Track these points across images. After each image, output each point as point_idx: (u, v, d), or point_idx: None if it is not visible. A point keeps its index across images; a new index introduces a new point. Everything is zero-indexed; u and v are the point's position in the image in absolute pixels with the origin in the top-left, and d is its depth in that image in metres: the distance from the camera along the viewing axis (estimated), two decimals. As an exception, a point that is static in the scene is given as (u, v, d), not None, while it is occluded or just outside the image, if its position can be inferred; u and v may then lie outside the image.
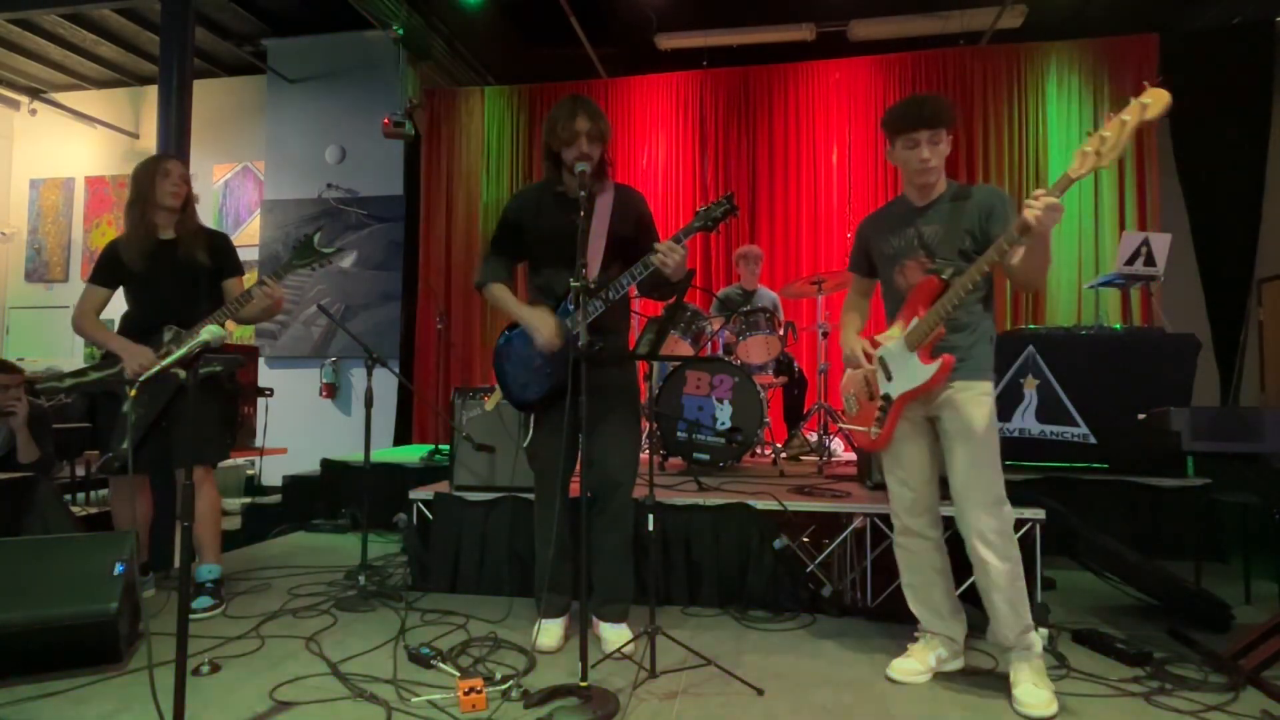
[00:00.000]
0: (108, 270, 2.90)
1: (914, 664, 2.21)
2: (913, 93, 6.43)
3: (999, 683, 2.16)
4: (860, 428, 2.34)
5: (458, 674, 2.15)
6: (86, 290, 2.91)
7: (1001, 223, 2.10)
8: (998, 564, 2.06)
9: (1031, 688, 2.01)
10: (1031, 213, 1.86)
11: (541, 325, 2.37)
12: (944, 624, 2.26)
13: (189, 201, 2.96)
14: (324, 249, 2.80)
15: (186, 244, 2.89)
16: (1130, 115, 1.79)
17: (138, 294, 2.92)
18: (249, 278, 3.02)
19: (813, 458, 4.29)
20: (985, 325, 2.20)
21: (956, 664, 2.26)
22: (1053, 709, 1.96)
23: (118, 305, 2.91)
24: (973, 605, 2.32)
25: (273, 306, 2.83)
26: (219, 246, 2.99)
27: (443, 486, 3.30)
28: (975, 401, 2.11)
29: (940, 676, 2.22)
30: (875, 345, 2.29)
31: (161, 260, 2.87)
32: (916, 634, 2.32)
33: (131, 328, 2.88)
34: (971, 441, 2.09)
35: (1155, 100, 1.76)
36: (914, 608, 2.31)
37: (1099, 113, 5.91)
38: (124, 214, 2.92)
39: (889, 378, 2.22)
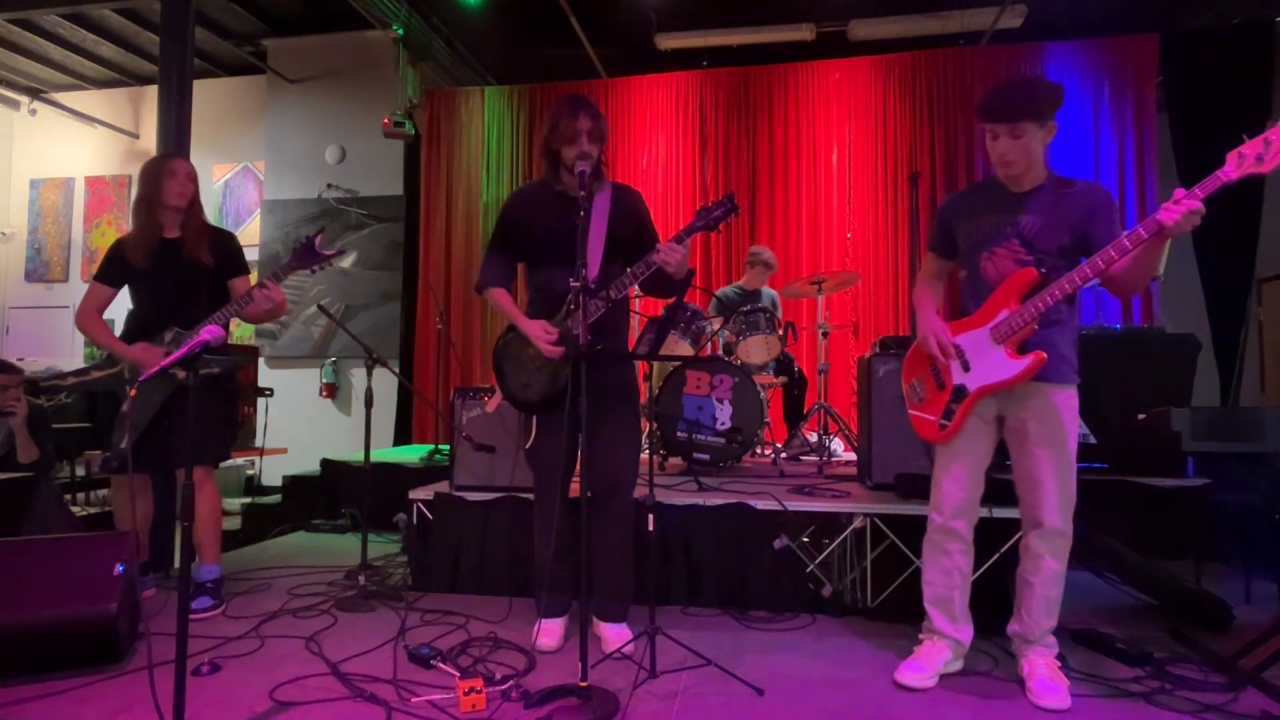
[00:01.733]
0: (112, 269, 2.91)
1: (923, 667, 2.18)
2: (913, 93, 6.40)
3: (999, 683, 2.17)
4: (928, 416, 2.24)
5: (458, 674, 2.14)
6: (91, 288, 2.92)
7: (1105, 223, 2.02)
8: (1053, 564, 2.08)
9: (1049, 680, 2.04)
10: (1170, 216, 1.79)
11: (539, 335, 2.37)
12: (955, 627, 2.24)
13: (195, 200, 2.96)
14: (323, 251, 2.79)
15: (191, 243, 2.89)
16: None
17: (141, 292, 2.93)
18: (252, 278, 3.02)
19: (813, 458, 4.29)
20: (1074, 323, 2.14)
21: (957, 665, 2.26)
22: (1068, 702, 1.98)
23: (123, 304, 2.91)
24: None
25: (276, 308, 2.83)
26: (224, 246, 3.00)
27: (443, 486, 3.30)
28: (1068, 405, 2.08)
29: (941, 677, 2.21)
30: (953, 333, 2.18)
31: (166, 259, 2.87)
32: (921, 635, 2.30)
33: (135, 326, 2.89)
34: (1062, 448, 2.07)
35: None
36: (929, 606, 2.26)
37: (1099, 113, 5.92)
38: (131, 212, 2.93)
39: (966, 368, 2.14)
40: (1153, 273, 1.97)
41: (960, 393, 2.14)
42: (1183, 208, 1.78)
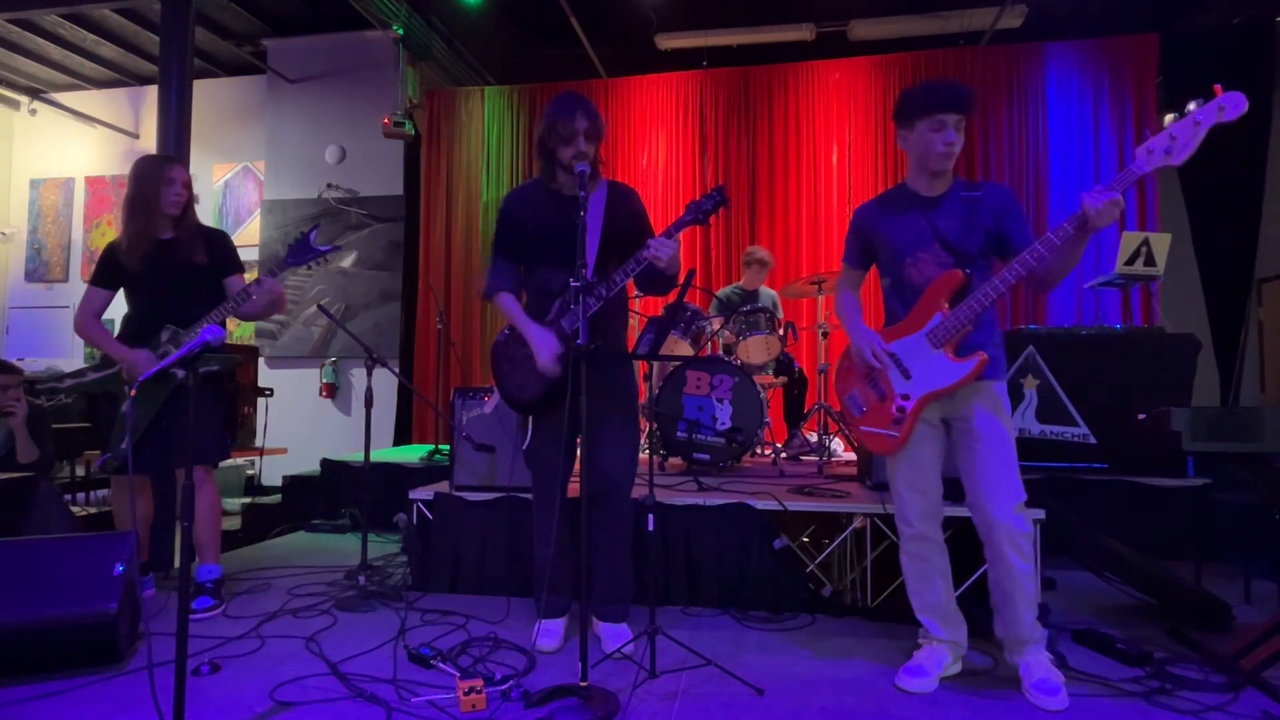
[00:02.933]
0: (107, 272, 2.91)
1: (923, 672, 2.17)
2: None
3: (998, 682, 2.17)
4: (876, 430, 2.21)
5: (458, 674, 2.15)
6: (87, 293, 2.92)
7: (1018, 223, 2.09)
8: (1022, 565, 2.07)
9: (1047, 680, 2.04)
10: (1091, 209, 1.83)
11: (544, 348, 2.34)
12: (949, 629, 2.23)
13: (189, 204, 2.97)
14: (319, 247, 2.79)
15: (185, 244, 2.89)
16: (1205, 117, 1.75)
17: (137, 294, 2.92)
18: (249, 277, 3.02)
19: (813, 458, 4.29)
20: (997, 321, 2.22)
21: (956, 668, 2.25)
22: (1066, 702, 1.99)
23: (120, 305, 2.91)
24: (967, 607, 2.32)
25: (274, 304, 2.83)
26: (218, 244, 2.99)
27: (443, 486, 3.30)
28: (1005, 400, 2.13)
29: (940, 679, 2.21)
30: (886, 340, 2.19)
31: (160, 260, 2.87)
32: (920, 640, 2.29)
33: (131, 328, 2.89)
34: (1004, 444, 2.09)
35: (1233, 104, 1.74)
36: (921, 615, 2.26)
37: (1099, 113, 5.92)
38: (122, 211, 2.92)
39: (907, 376, 2.15)
40: (1074, 266, 2.00)
41: (905, 401, 2.15)
42: (1103, 199, 1.83)
